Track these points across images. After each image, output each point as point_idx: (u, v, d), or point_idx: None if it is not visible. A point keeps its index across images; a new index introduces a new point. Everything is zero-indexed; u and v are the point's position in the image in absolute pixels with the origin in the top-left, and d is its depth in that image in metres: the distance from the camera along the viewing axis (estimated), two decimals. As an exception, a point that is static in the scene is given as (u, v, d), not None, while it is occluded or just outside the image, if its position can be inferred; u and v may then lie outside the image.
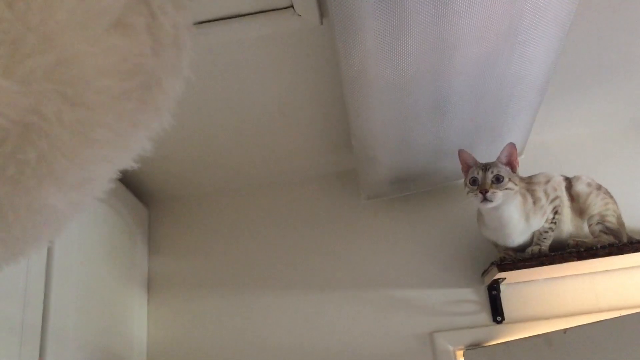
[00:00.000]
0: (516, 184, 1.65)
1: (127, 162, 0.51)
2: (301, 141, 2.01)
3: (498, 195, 1.62)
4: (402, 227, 2.09)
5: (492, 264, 1.79)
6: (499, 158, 1.68)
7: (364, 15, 1.33)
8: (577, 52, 1.70)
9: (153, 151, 1.89)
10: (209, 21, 1.44)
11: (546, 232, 1.72)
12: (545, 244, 1.72)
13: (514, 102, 1.68)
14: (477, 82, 1.55)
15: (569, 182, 1.81)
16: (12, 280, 1.41)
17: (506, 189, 1.63)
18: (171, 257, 2.19)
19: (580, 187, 1.80)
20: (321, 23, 1.46)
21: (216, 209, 2.24)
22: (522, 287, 1.93)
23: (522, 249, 1.76)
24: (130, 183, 2.13)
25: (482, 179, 1.64)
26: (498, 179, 1.63)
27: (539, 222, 1.72)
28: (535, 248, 1.72)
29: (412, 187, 2.04)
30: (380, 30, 1.37)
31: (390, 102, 1.58)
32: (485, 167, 1.66)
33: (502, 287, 1.93)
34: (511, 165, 1.68)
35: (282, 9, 1.42)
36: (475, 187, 1.65)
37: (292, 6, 1.41)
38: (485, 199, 1.62)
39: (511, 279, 1.87)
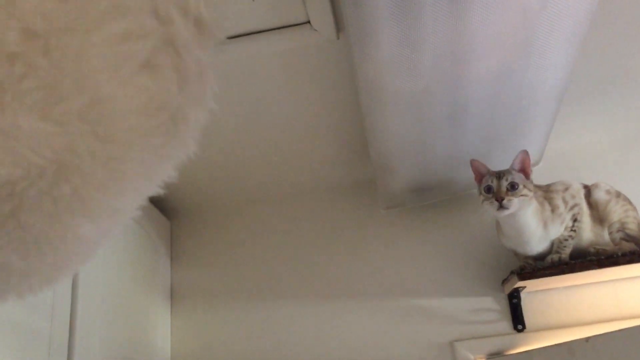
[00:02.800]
0: (530, 190, 1.65)
1: (155, 190, 0.53)
2: (320, 152, 2.03)
3: (514, 202, 1.62)
4: (421, 236, 2.10)
5: (512, 272, 1.79)
6: (512, 165, 1.69)
7: (379, 29, 1.35)
8: (594, 59, 1.71)
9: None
10: (230, 38, 1.47)
11: (566, 240, 1.72)
12: (566, 252, 1.72)
13: (531, 110, 1.68)
14: (494, 92, 1.56)
15: (588, 190, 1.80)
16: (38, 299, 1.44)
17: (521, 195, 1.63)
18: (193, 268, 2.22)
19: (599, 195, 1.79)
20: (338, 37, 1.48)
21: (236, 220, 2.27)
22: (543, 295, 1.93)
23: (542, 257, 1.76)
24: (152, 196, 2.15)
25: (496, 186, 1.65)
26: (513, 186, 1.63)
27: (557, 229, 1.72)
28: (555, 256, 1.72)
29: (430, 197, 2.04)
30: (396, 43, 1.39)
31: (406, 112, 1.60)
32: (499, 175, 1.66)
33: (522, 295, 1.93)
34: (524, 172, 1.68)
35: (299, 24, 1.45)
36: (491, 195, 1.65)
37: (309, 22, 1.44)
38: (501, 207, 1.63)
39: (532, 287, 1.87)
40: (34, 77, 0.35)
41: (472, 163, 1.75)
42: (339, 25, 1.45)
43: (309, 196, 2.24)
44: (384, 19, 1.32)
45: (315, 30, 1.45)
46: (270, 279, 2.15)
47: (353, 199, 2.20)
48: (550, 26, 1.37)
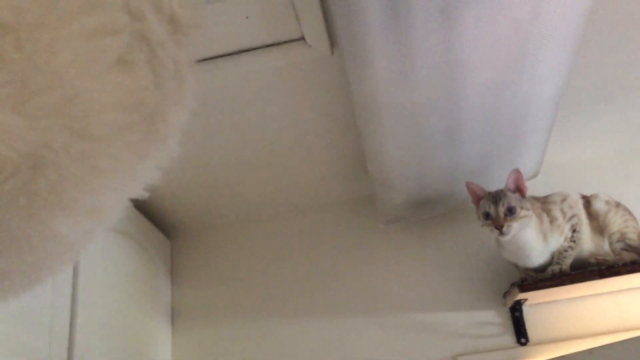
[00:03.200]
0: (529, 209, 1.64)
1: (136, 191, 0.53)
2: (318, 169, 2.04)
3: (514, 227, 1.62)
4: (421, 251, 2.09)
5: (513, 284, 1.78)
6: (506, 186, 1.68)
7: (372, 44, 1.36)
8: (591, 70, 1.71)
9: (173, 184, 1.92)
10: (225, 55, 1.49)
11: (566, 250, 1.71)
12: (566, 263, 1.71)
13: (527, 123, 1.68)
14: (489, 105, 1.56)
15: (587, 201, 1.80)
16: (38, 313, 1.44)
17: (521, 217, 1.62)
18: (194, 287, 2.22)
19: (598, 205, 1.79)
20: (332, 53, 1.50)
21: (236, 238, 2.27)
22: (546, 308, 1.91)
23: (543, 269, 1.75)
24: (152, 216, 2.17)
25: (495, 213, 1.63)
26: (511, 211, 1.62)
27: (557, 241, 1.71)
28: (556, 267, 1.71)
29: (429, 211, 2.04)
30: (390, 58, 1.40)
31: (402, 127, 1.60)
32: (496, 200, 1.65)
33: (524, 308, 1.91)
34: (520, 190, 1.68)
35: (293, 41, 1.46)
36: (490, 222, 1.64)
37: (303, 38, 1.46)
38: (502, 233, 1.62)
39: (533, 299, 1.86)
40: (6, 71, 0.36)
41: (468, 186, 1.75)
42: (333, 40, 1.47)
43: (309, 213, 2.24)
44: (376, 34, 1.34)
45: (310, 46, 1.47)
46: (271, 296, 2.14)
47: (352, 215, 2.20)
48: (543, 36, 1.38)
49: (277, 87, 1.61)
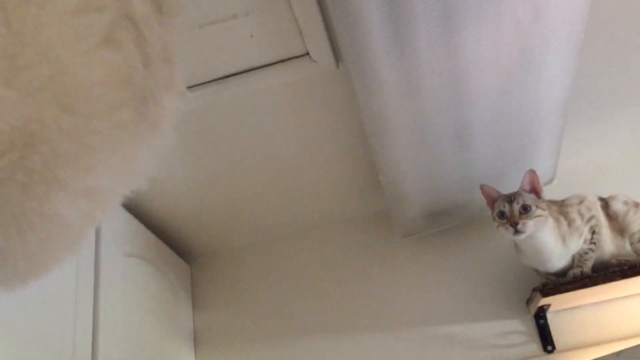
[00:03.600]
0: (544, 210, 1.64)
1: (134, 177, 0.55)
2: (331, 185, 2.05)
3: (529, 225, 1.61)
4: (440, 263, 2.08)
5: (534, 290, 1.76)
6: (521, 187, 1.68)
7: (376, 56, 1.38)
8: (601, 73, 1.72)
9: (190, 209, 1.95)
10: (232, 75, 1.52)
11: (586, 253, 1.69)
12: (587, 266, 1.69)
13: (537, 126, 1.68)
14: (496, 109, 1.57)
15: (605, 203, 1.78)
16: (59, 338, 1.46)
17: (536, 216, 1.61)
18: (215, 311, 2.22)
19: (617, 206, 1.77)
20: (337, 67, 1.52)
21: (255, 260, 2.28)
22: (570, 314, 1.88)
23: (564, 273, 1.73)
24: (171, 242, 2.19)
25: (509, 211, 1.63)
26: (525, 209, 1.62)
27: (576, 243, 1.69)
28: (577, 270, 1.69)
29: (445, 222, 2.03)
30: (395, 69, 1.42)
31: (411, 136, 1.61)
32: (511, 199, 1.65)
33: (549, 315, 1.88)
34: (535, 191, 1.67)
35: (298, 57, 1.49)
36: (505, 221, 1.64)
37: (307, 54, 1.48)
38: (517, 231, 1.61)
39: (557, 305, 1.83)
40: (-4, 47, 0.39)
41: (482, 188, 1.75)
42: (337, 54, 1.49)
43: (325, 231, 2.25)
44: (380, 47, 1.36)
45: (315, 61, 1.50)
46: (292, 316, 2.14)
47: (369, 230, 2.20)
48: (545, 37, 1.39)
49: (285, 104, 1.64)
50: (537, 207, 1.63)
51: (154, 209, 2.04)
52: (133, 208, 1.97)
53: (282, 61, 1.50)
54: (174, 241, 2.21)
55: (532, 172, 1.68)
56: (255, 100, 1.61)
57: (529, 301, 1.86)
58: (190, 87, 1.53)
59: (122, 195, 0.56)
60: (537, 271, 1.80)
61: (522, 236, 1.62)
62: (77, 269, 1.60)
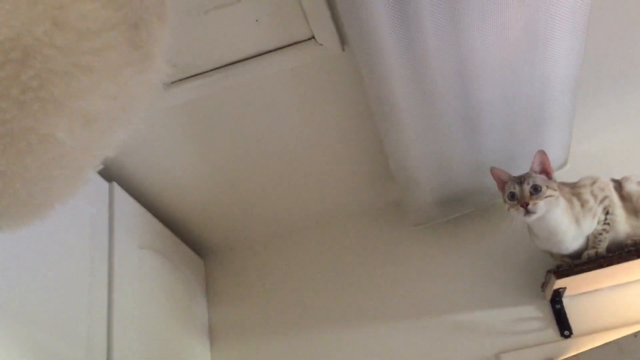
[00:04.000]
0: (555, 190, 1.62)
1: (130, 110, 0.56)
2: (342, 175, 2.05)
3: (540, 205, 1.60)
4: (453, 250, 2.07)
5: (549, 272, 1.74)
6: (532, 168, 1.67)
7: (381, 39, 1.38)
8: (611, 54, 1.70)
9: (202, 203, 1.96)
10: (238, 61, 1.53)
11: (600, 234, 1.67)
12: (602, 246, 1.67)
13: (547, 106, 1.67)
14: (504, 89, 1.56)
15: (618, 184, 1.76)
16: (74, 334, 1.46)
17: (547, 197, 1.60)
18: (230, 305, 2.23)
19: (631, 187, 1.75)
20: (343, 50, 1.53)
21: (268, 254, 2.29)
22: (587, 298, 1.86)
23: (578, 255, 1.71)
24: (184, 236, 2.21)
25: (519, 192, 1.62)
26: (536, 189, 1.61)
27: (590, 224, 1.67)
28: (592, 251, 1.67)
29: (458, 209, 2.02)
30: (399, 49, 1.42)
31: (418, 119, 1.61)
32: (521, 180, 1.64)
33: (565, 300, 1.86)
34: (546, 172, 1.66)
35: (304, 41, 1.50)
36: (515, 202, 1.63)
37: (313, 37, 1.49)
38: (527, 212, 1.60)
39: (573, 289, 1.81)
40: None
41: (492, 171, 1.74)
42: (343, 38, 1.50)
43: (337, 222, 2.25)
44: (384, 28, 1.36)
45: (321, 44, 1.50)
46: (307, 308, 2.14)
47: (381, 220, 2.20)
48: (549, 14, 1.38)
49: (292, 90, 1.64)
50: (547, 187, 1.62)
51: (166, 203, 2.06)
52: (146, 201, 1.99)
53: (288, 45, 1.51)
54: (187, 235, 2.22)
55: (542, 153, 1.67)
56: (263, 86, 1.62)
57: (544, 285, 1.84)
58: (197, 75, 1.54)
59: (121, 130, 0.57)
60: (551, 254, 1.78)
61: (533, 217, 1.61)
62: (91, 260, 1.61)
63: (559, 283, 1.74)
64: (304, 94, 1.66)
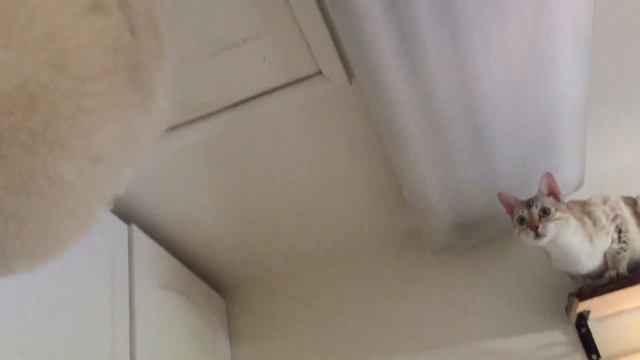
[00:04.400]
0: (565, 212, 1.61)
1: (134, 148, 0.58)
2: (358, 205, 2.06)
3: (549, 228, 1.58)
4: (474, 277, 2.05)
5: (571, 295, 1.72)
6: (539, 191, 1.66)
7: (386, 69, 1.40)
8: (616, 70, 1.71)
9: (220, 242, 1.98)
10: (248, 99, 1.57)
11: (618, 253, 1.65)
12: (622, 266, 1.65)
13: (557, 127, 1.67)
14: (512, 111, 1.57)
15: (633, 201, 1.75)
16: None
17: (556, 219, 1.59)
18: (252, 342, 2.23)
19: None
20: (350, 82, 1.56)
21: (288, 289, 2.29)
22: (613, 321, 1.82)
23: (598, 274, 1.69)
24: (204, 274, 2.22)
25: (528, 216, 1.61)
26: (545, 212, 1.59)
27: (604, 242, 1.65)
28: (613, 272, 1.65)
29: (476, 235, 2.01)
30: (406, 79, 1.44)
31: (429, 146, 1.62)
32: (529, 204, 1.63)
33: (590, 323, 1.83)
34: (554, 194, 1.65)
35: (311, 76, 1.53)
36: (525, 226, 1.61)
37: (320, 72, 1.52)
38: (537, 235, 1.58)
39: (597, 311, 1.78)
40: (-8, 9, 0.43)
41: (500, 196, 1.73)
42: (349, 70, 1.53)
43: (356, 252, 2.25)
44: (389, 60, 1.38)
45: (328, 78, 1.53)
46: (330, 341, 2.12)
47: (401, 248, 2.20)
48: (551, 34, 1.39)
49: (302, 124, 1.67)
50: (556, 209, 1.60)
51: (185, 242, 2.08)
52: (165, 241, 2.01)
53: (296, 81, 1.54)
54: (207, 274, 2.24)
55: (549, 175, 1.66)
56: (273, 122, 1.65)
57: (567, 309, 1.82)
58: (209, 115, 1.58)
59: (128, 169, 0.59)
60: (571, 276, 1.76)
61: (543, 240, 1.59)
62: (112, 302, 1.63)
63: (582, 306, 1.71)
64: (314, 127, 1.69)
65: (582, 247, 1.64)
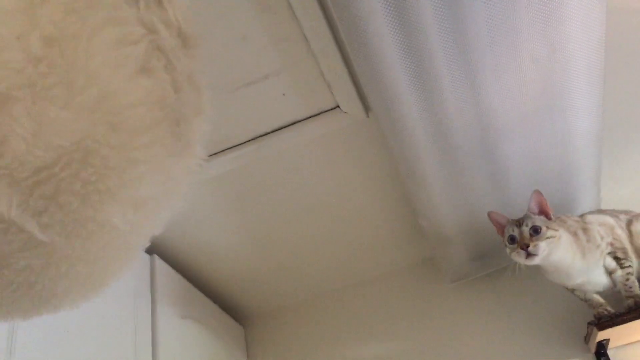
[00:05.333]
0: (556, 230, 1.58)
1: (173, 192, 0.62)
2: (375, 235, 2.08)
3: (540, 247, 1.55)
4: (492, 306, 2.06)
5: (589, 324, 1.72)
6: (529, 209, 1.63)
7: (403, 103, 1.44)
8: (629, 99, 1.74)
9: (240, 272, 2.01)
10: (267, 134, 1.61)
11: (627, 280, 1.65)
12: (636, 292, 1.64)
13: (572, 159, 1.69)
14: (527, 143, 1.60)
15: (630, 221, 1.74)
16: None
17: (547, 237, 1.56)
18: (271, 372, 2.25)
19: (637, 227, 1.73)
20: (367, 116, 1.60)
21: (306, 318, 2.31)
22: (632, 349, 1.82)
23: (604, 288, 1.69)
24: (224, 304, 2.25)
25: (519, 234, 1.59)
26: (536, 230, 1.56)
27: (596, 258, 1.64)
28: (630, 301, 1.64)
29: (493, 264, 2.03)
30: (421, 112, 1.48)
31: (446, 178, 1.65)
32: (520, 223, 1.60)
33: (610, 352, 1.82)
34: (544, 213, 1.62)
35: (329, 110, 1.58)
36: (515, 245, 1.59)
37: (338, 106, 1.57)
38: (529, 255, 1.56)
39: (617, 340, 1.78)
40: (55, 75, 0.47)
41: (490, 215, 1.70)
42: (366, 104, 1.57)
43: (374, 282, 2.27)
44: (405, 95, 1.42)
45: (345, 112, 1.58)
46: (348, 371, 2.14)
47: (418, 278, 2.21)
48: (564, 68, 1.43)
49: (321, 156, 1.71)
50: (548, 227, 1.58)
51: (205, 271, 2.11)
52: (185, 271, 2.05)
53: (315, 115, 1.58)
54: (226, 303, 2.26)
55: (538, 193, 1.63)
56: (293, 154, 1.69)
57: (586, 338, 1.82)
58: (231, 148, 1.63)
59: (166, 211, 0.63)
60: (584, 299, 1.75)
61: (535, 260, 1.56)
62: (135, 332, 1.66)
63: (601, 335, 1.72)
64: (333, 159, 1.73)
65: (574, 262, 1.62)
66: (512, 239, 1.61)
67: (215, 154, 1.64)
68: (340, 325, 2.24)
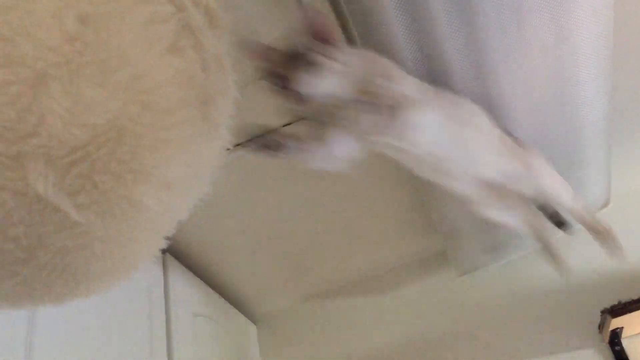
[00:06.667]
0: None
1: (201, 174, 0.63)
2: (386, 230, 2.09)
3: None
4: (504, 297, 2.06)
5: (603, 312, 1.73)
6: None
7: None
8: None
9: (254, 269, 2.02)
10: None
11: None
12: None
13: (581, 148, 1.69)
14: (536, 132, 1.60)
15: None
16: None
17: None
18: (285, 369, 2.25)
19: None
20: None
21: (320, 314, 2.31)
22: (647, 337, 1.82)
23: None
24: (237, 302, 2.26)
25: None
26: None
27: None
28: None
29: (504, 254, 2.03)
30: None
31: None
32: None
33: (624, 341, 1.82)
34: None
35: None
36: None
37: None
38: None
39: (631, 329, 1.78)
40: (90, 53, 0.48)
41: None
42: (377, 98, 1.57)
43: (386, 277, 2.28)
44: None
45: (357, 107, 1.58)
46: (361, 367, 2.14)
47: (429, 270, 2.22)
48: (573, 58, 1.44)
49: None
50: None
51: (218, 270, 2.12)
52: (198, 270, 2.05)
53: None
54: (239, 302, 2.27)
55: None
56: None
57: (600, 326, 1.82)
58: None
59: (193, 195, 0.64)
60: None
61: None
62: (150, 329, 1.67)
63: (615, 323, 1.72)
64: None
65: None
66: None
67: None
68: (353, 322, 2.24)
